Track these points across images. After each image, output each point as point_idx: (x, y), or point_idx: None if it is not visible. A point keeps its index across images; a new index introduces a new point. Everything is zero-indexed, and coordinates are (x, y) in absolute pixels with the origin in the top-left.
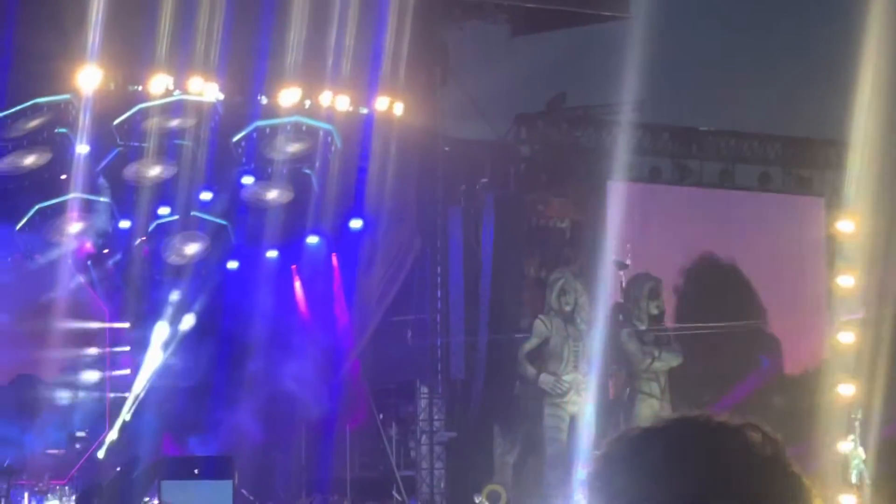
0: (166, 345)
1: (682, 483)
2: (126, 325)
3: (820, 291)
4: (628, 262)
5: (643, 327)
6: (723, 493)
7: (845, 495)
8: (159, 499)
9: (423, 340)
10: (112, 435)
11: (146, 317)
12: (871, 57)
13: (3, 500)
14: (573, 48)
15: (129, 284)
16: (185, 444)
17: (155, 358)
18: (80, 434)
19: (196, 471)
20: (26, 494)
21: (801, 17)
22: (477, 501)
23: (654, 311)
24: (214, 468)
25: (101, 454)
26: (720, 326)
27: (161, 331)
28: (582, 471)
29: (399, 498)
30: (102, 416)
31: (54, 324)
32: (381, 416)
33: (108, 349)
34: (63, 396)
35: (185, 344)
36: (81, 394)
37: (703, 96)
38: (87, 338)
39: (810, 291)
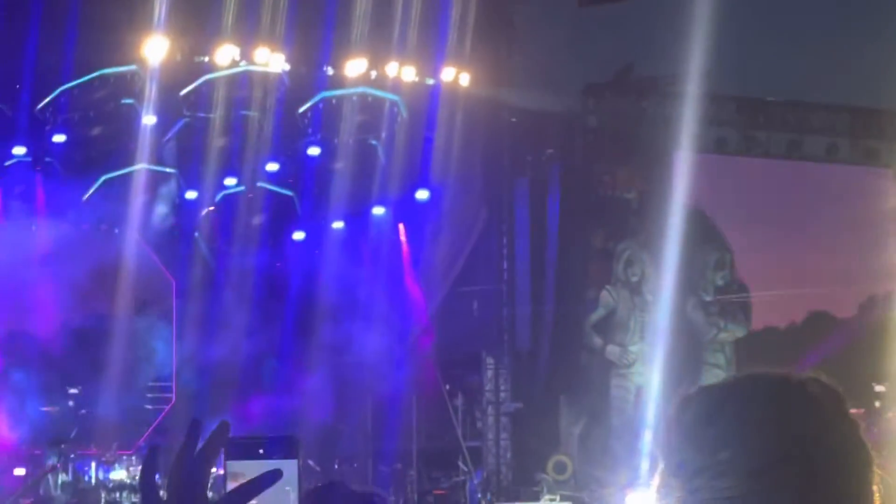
0: (232, 315)
1: (757, 438)
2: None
3: (888, 263)
4: None
5: (709, 298)
6: (794, 445)
7: None
8: (225, 476)
9: (490, 311)
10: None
11: (212, 287)
12: None
13: (69, 470)
14: (641, 18)
15: (195, 255)
16: (248, 410)
17: (220, 327)
18: (72, 391)
19: (261, 450)
20: (93, 464)
21: None
22: (539, 479)
23: (720, 282)
24: (280, 447)
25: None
26: (786, 294)
27: (227, 301)
28: (649, 440)
29: (465, 468)
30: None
31: (121, 293)
32: (448, 386)
33: (174, 317)
34: (129, 362)
35: (252, 313)
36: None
37: (770, 66)
38: (153, 307)
39: (877, 262)
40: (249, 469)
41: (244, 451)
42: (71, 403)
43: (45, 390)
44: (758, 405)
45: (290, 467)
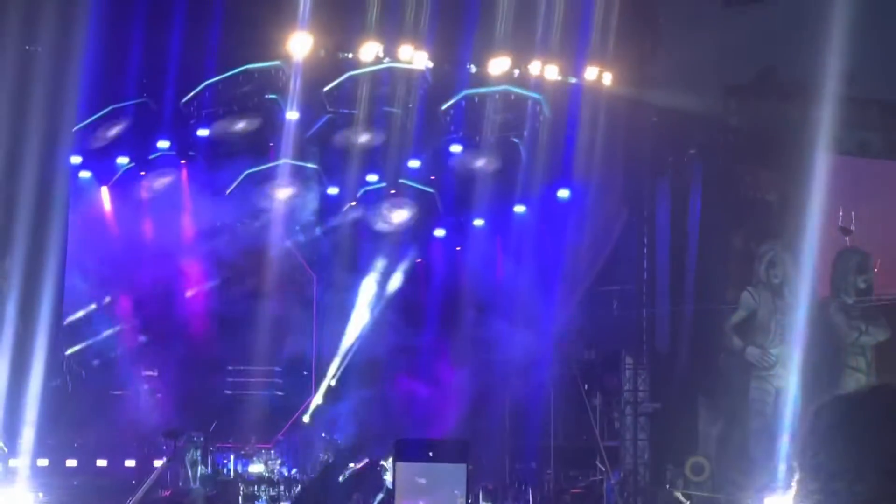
0: (373, 308)
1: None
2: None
3: None
4: (852, 227)
5: (850, 301)
6: None
7: None
8: (394, 477)
9: (629, 311)
10: (317, 399)
11: (353, 283)
12: None
13: (209, 462)
14: (785, 19)
15: (337, 250)
16: (389, 399)
17: (361, 320)
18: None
19: (431, 453)
20: (232, 457)
21: None
22: (668, 470)
23: (862, 285)
24: (450, 451)
25: (306, 419)
26: None
27: (367, 294)
28: (787, 443)
29: (602, 468)
30: (308, 380)
31: (264, 287)
32: (587, 385)
33: (314, 312)
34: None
35: (394, 308)
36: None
37: None
38: (293, 299)
39: None
40: (418, 470)
41: (415, 452)
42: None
43: (187, 377)
44: (892, 412)
45: (459, 471)
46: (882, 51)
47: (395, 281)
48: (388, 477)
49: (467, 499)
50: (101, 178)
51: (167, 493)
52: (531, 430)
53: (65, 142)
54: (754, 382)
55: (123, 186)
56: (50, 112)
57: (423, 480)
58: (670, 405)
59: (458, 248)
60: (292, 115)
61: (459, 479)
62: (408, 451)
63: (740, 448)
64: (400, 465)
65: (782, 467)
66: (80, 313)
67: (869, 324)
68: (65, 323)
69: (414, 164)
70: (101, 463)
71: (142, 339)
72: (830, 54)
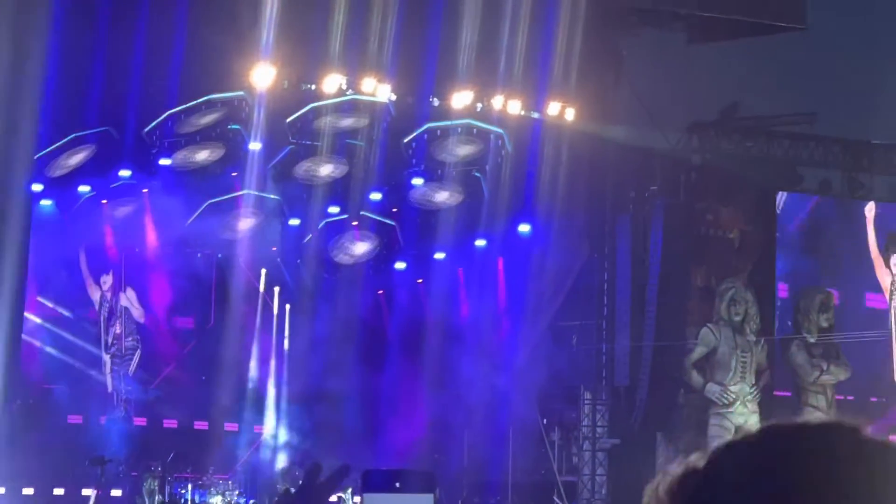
0: (334, 340)
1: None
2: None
3: None
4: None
5: (813, 339)
6: (820, 489)
7: None
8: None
9: (589, 346)
10: (275, 429)
11: (314, 314)
12: None
13: (166, 492)
14: (748, 58)
15: (298, 282)
16: (348, 436)
17: (321, 352)
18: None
19: (398, 484)
20: (189, 486)
21: None
22: None
23: (825, 324)
24: (416, 482)
25: (264, 449)
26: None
27: (328, 326)
28: None
29: (560, 503)
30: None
31: (224, 316)
32: (545, 420)
33: (272, 344)
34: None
35: (354, 340)
36: (249, 385)
37: (876, 109)
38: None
39: None
40: (385, 502)
41: (381, 483)
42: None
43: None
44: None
45: (426, 501)
46: (844, 89)
47: (356, 313)
48: None
49: None
50: (62, 207)
51: None
52: (490, 465)
53: (25, 169)
54: (713, 419)
55: (85, 215)
56: (10, 140)
57: None
58: (629, 441)
59: (420, 281)
60: (255, 146)
61: None
62: (374, 482)
63: None
64: (367, 496)
65: None
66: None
67: (830, 363)
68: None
69: (376, 196)
70: (59, 492)
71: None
72: (793, 93)
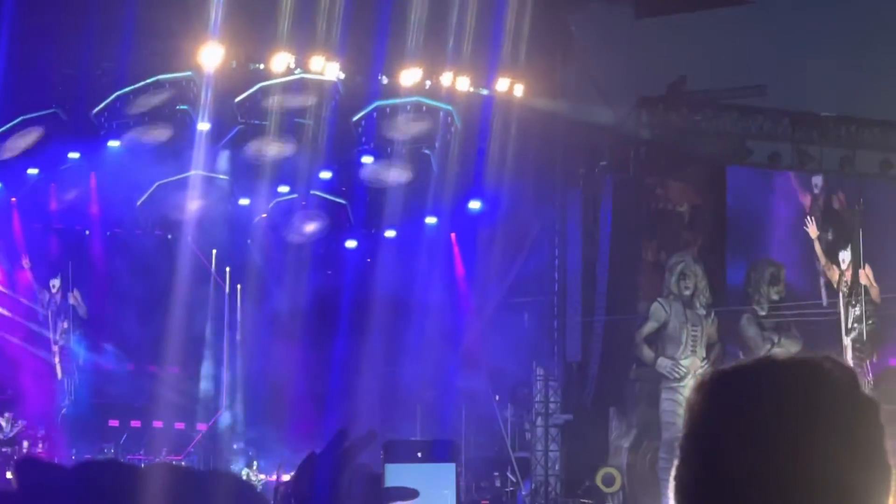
0: (284, 319)
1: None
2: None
3: None
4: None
5: (763, 312)
6: (802, 415)
7: None
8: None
9: (540, 322)
10: (227, 410)
11: (265, 294)
12: None
13: None
14: (696, 32)
15: (248, 262)
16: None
17: (272, 330)
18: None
19: (420, 454)
20: None
21: None
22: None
23: (775, 297)
24: (438, 451)
25: (218, 429)
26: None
27: (279, 305)
28: None
29: (513, 479)
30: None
31: (172, 300)
32: (498, 397)
33: (225, 325)
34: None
35: (305, 318)
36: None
37: (824, 82)
38: (206, 313)
39: None
40: (408, 472)
41: (404, 454)
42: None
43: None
44: (759, 386)
45: (448, 471)
46: (792, 62)
47: (307, 292)
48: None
49: (458, 498)
50: (10, 189)
51: None
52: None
53: None
54: (665, 393)
55: (33, 197)
56: None
57: (413, 481)
58: (581, 416)
59: (370, 260)
60: (203, 126)
61: (449, 479)
62: (396, 452)
63: (651, 459)
64: (389, 466)
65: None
66: None
67: (782, 335)
68: None
69: (325, 175)
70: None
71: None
72: (742, 66)
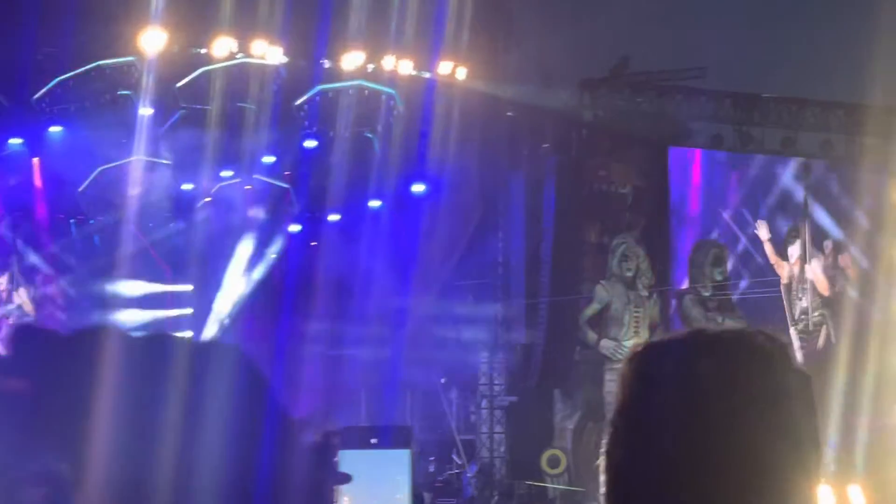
0: (229, 307)
1: (694, 384)
2: (188, 287)
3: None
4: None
5: (707, 293)
6: (733, 388)
7: None
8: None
9: (485, 304)
10: None
11: (208, 279)
12: None
13: None
14: (637, 14)
15: (191, 246)
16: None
17: (217, 321)
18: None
19: (374, 440)
20: None
21: None
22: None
23: (719, 277)
24: (392, 437)
25: None
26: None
27: (223, 289)
28: None
29: (458, 461)
30: None
31: (117, 286)
32: (444, 380)
33: (170, 312)
34: None
35: (249, 303)
36: None
37: (766, 63)
38: (150, 300)
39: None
40: (362, 458)
41: (358, 440)
42: None
43: None
44: (700, 357)
45: (402, 457)
46: (734, 43)
47: (251, 276)
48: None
49: (413, 483)
50: None
51: None
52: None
53: None
54: (609, 375)
55: None
56: None
57: (368, 467)
58: (526, 398)
59: (314, 244)
60: (146, 111)
61: (403, 465)
62: (351, 439)
63: (596, 440)
64: (344, 452)
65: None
66: None
67: (725, 316)
68: None
69: (268, 159)
70: None
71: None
72: (683, 48)
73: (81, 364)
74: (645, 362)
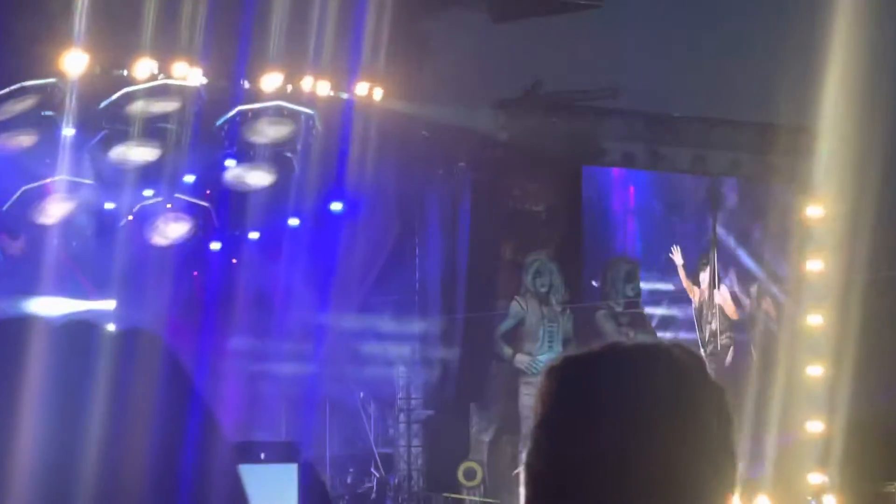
0: (151, 323)
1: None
2: (111, 304)
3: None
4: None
5: (619, 308)
6: (650, 399)
7: (813, 474)
8: None
9: (403, 320)
10: None
11: (130, 297)
12: (839, 43)
13: None
14: (552, 35)
15: (114, 264)
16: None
17: None
18: None
19: (262, 455)
20: None
21: (773, 2)
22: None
23: (631, 293)
24: (280, 452)
25: None
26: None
27: (145, 310)
28: None
29: (377, 474)
30: None
31: (38, 303)
32: (362, 394)
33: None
34: None
35: (170, 323)
36: None
37: (676, 83)
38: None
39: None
40: (251, 473)
41: (245, 455)
42: None
43: None
44: (619, 373)
45: (289, 471)
46: (645, 64)
47: (172, 294)
48: None
49: (300, 498)
50: None
51: None
52: (307, 439)
53: None
54: (524, 388)
55: None
56: None
57: (254, 482)
58: (443, 412)
59: (234, 261)
60: (68, 132)
61: (290, 479)
62: (238, 454)
63: (512, 453)
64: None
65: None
66: None
67: (637, 330)
68: None
69: (189, 178)
70: None
71: None
72: (595, 68)
73: (4, 351)
74: (562, 376)
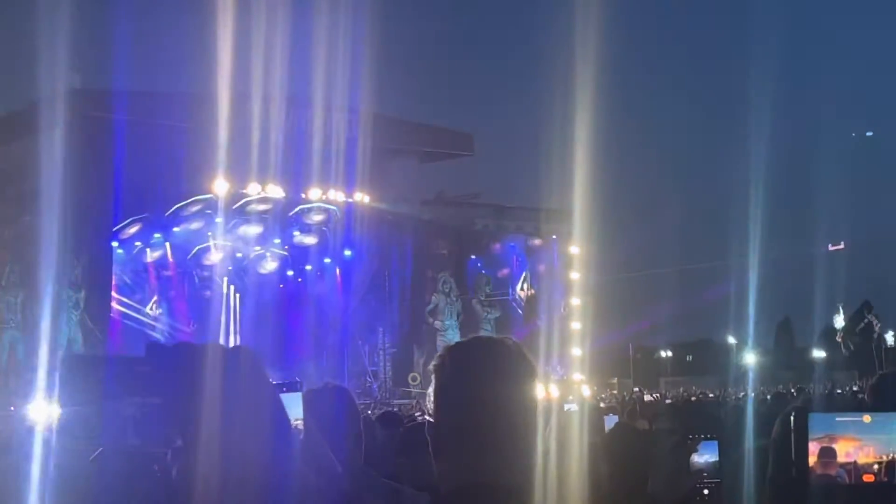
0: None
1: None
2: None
3: None
4: None
5: (483, 297)
6: (495, 370)
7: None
8: None
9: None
10: None
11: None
12: (581, 134)
13: None
14: (451, 169)
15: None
16: None
17: None
18: None
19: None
20: None
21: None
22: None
23: (488, 290)
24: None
25: None
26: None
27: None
28: None
29: (370, 380)
30: None
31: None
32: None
33: None
34: None
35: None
36: None
37: (512, 184)
38: None
39: None
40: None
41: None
42: None
43: None
44: (470, 356)
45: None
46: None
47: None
48: None
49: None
50: None
51: None
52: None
53: None
54: (438, 337)
55: None
56: None
57: None
58: (400, 349)
59: (300, 280)
60: (219, 220)
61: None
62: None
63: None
64: None
65: None
66: None
67: (493, 309)
68: None
69: (277, 241)
70: None
71: None
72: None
73: (191, 373)
74: (448, 356)
